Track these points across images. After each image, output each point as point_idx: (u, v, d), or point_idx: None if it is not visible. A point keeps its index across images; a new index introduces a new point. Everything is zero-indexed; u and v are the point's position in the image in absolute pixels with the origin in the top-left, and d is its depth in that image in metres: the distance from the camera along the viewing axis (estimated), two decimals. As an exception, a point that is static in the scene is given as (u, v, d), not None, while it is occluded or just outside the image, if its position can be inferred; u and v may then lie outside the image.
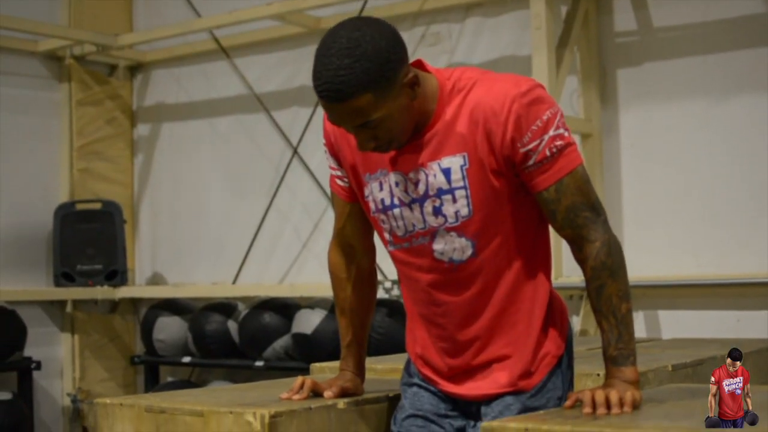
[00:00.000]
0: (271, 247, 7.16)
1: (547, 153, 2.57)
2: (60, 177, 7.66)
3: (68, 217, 7.38)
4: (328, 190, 6.78)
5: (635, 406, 2.45)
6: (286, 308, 6.59)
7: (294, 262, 7.05)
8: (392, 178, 2.70)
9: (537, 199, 2.65)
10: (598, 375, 3.31)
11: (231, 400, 2.85)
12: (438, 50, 6.42)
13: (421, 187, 2.66)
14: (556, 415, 2.41)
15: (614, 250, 2.62)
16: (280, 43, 7.21)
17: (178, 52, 7.71)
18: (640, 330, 5.66)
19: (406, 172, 2.68)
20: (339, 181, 2.92)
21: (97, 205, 7.42)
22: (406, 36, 6.47)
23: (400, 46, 2.54)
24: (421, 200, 2.67)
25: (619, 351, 2.58)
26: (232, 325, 6.80)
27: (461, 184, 2.62)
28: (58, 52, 7.61)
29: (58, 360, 7.58)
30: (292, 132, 7.09)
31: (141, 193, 7.97)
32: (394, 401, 3.03)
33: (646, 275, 5.58)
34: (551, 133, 2.57)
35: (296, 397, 2.85)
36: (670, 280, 5.45)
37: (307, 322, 6.32)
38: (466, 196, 2.63)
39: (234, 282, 7.30)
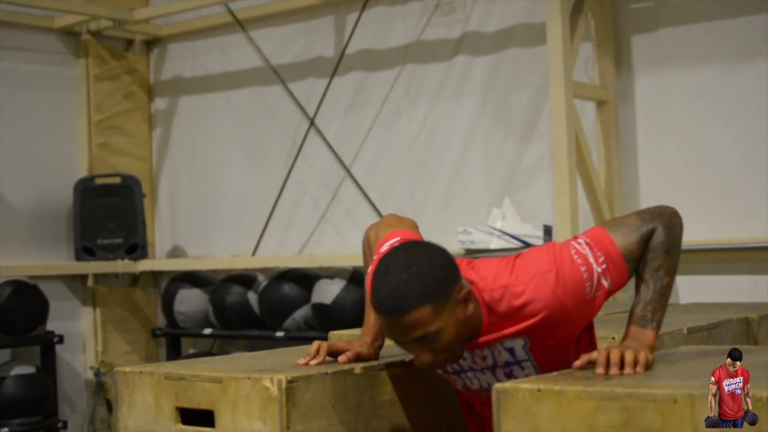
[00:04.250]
0: (290, 218, 7.19)
1: (605, 267, 2.73)
2: (79, 152, 7.69)
3: (88, 191, 7.41)
4: (346, 160, 6.86)
5: (647, 367, 2.48)
6: (305, 279, 6.62)
7: (312, 232, 7.08)
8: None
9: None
10: (613, 338, 3.33)
11: (249, 367, 2.89)
12: (452, 19, 6.43)
13: (489, 360, 2.85)
14: (568, 376, 2.44)
15: (674, 231, 2.76)
16: (295, 14, 7.22)
17: (194, 26, 7.72)
18: (657, 295, 5.67)
19: (472, 350, 2.83)
20: None
21: (117, 179, 7.45)
22: (420, 6, 6.53)
23: (453, 264, 2.72)
24: (492, 368, 2.87)
25: (646, 312, 2.66)
26: (252, 297, 6.83)
27: (525, 357, 2.82)
28: (74, 27, 7.62)
29: (81, 334, 7.63)
30: (309, 103, 7.10)
31: (159, 166, 8.00)
32: (410, 366, 3.06)
33: (662, 241, 5.57)
34: (597, 269, 2.72)
35: (313, 362, 2.89)
36: (687, 245, 5.42)
37: (327, 292, 6.35)
38: (533, 365, 2.83)
39: (253, 253, 7.33)
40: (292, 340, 6.47)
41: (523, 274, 2.75)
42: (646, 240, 2.73)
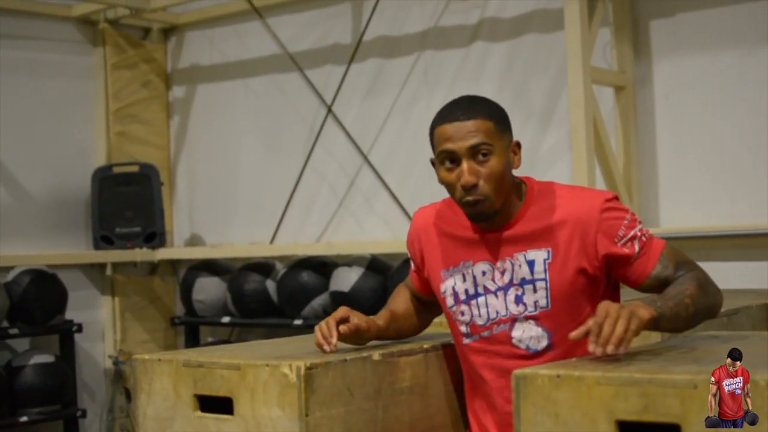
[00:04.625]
0: (308, 206, 7.19)
1: (644, 239, 2.84)
2: (97, 141, 7.70)
3: (106, 180, 7.42)
4: (363, 147, 6.85)
5: (636, 332, 2.52)
6: (323, 266, 6.62)
7: (331, 220, 7.07)
8: (479, 268, 2.95)
9: (646, 285, 2.85)
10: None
11: (267, 354, 2.88)
12: (470, 5, 6.41)
13: (507, 276, 2.92)
14: (587, 362, 2.43)
15: (711, 290, 2.82)
16: (312, 1, 7.20)
17: (211, 14, 7.72)
18: (676, 282, 5.65)
19: (494, 261, 2.93)
20: (416, 275, 3.22)
21: (135, 168, 7.46)
22: (438, -9, 6.52)
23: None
24: (506, 288, 2.92)
25: (656, 299, 2.65)
26: (271, 285, 6.84)
27: (542, 276, 2.88)
28: (91, 16, 7.63)
29: (99, 322, 7.65)
30: (326, 90, 7.09)
31: (177, 155, 8.01)
32: (428, 353, 3.06)
33: (681, 227, 5.57)
34: (639, 227, 2.85)
35: (330, 347, 2.87)
36: (704, 231, 5.44)
37: (345, 279, 6.36)
38: (546, 288, 2.88)
39: (271, 241, 7.34)
40: (310, 328, 6.40)
41: (576, 187, 3.02)
42: (684, 270, 2.83)
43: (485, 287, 2.95)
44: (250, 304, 6.88)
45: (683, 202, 5.68)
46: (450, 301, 3.02)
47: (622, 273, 2.87)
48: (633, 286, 2.90)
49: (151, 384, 2.99)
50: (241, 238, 7.57)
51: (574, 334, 2.50)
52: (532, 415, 2.29)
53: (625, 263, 2.84)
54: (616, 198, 2.91)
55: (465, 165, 2.82)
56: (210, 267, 7.26)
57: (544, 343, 2.91)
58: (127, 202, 7.41)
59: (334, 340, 2.88)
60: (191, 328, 7.60)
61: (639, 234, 2.84)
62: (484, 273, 2.95)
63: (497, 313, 2.93)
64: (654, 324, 2.59)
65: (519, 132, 6.34)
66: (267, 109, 7.47)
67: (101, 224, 7.41)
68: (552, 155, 6.06)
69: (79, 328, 7.03)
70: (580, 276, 2.86)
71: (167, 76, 8.04)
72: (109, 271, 7.58)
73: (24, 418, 6.65)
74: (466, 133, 2.82)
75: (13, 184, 7.22)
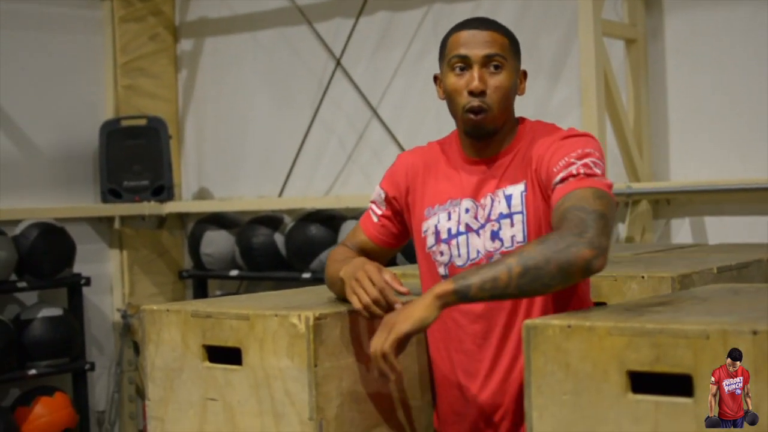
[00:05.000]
0: (316, 159, 7.17)
1: (574, 171, 2.66)
2: (105, 94, 7.67)
3: (114, 133, 7.40)
4: (372, 100, 6.82)
5: (394, 346, 2.53)
6: (331, 220, 6.61)
7: (339, 174, 7.05)
8: (463, 205, 2.88)
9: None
10: (643, 277, 3.31)
11: (276, 304, 2.87)
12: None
13: (486, 210, 2.84)
14: (599, 312, 2.41)
15: (561, 242, 2.47)
16: (321, -47, 7.17)
17: (219, -34, 7.69)
18: (686, 236, 5.65)
19: (478, 199, 2.86)
20: (374, 218, 3.11)
21: (143, 121, 7.43)
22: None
23: None
24: (484, 224, 2.84)
25: (469, 270, 2.54)
26: (279, 238, 6.83)
27: (519, 209, 2.79)
28: (99, -31, 7.61)
29: (107, 276, 7.65)
30: (335, 43, 7.05)
31: (185, 108, 7.98)
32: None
33: (693, 180, 5.55)
34: (587, 160, 2.68)
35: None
36: (715, 185, 5.41)
37: (353, 233, 6.34)
38: (523, 222, 2.78)
39: (280, 195, 7.32)
40: (318, 281, 6.46)
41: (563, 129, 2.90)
42: (565, 224, 2.54)
43: (468, 225, 2.87)
44: (258, 257, 6.87)
45: (694, 157, 5.65)
46: (430, 240, 2.92)
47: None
48: None
49: (159, 334, 2.99)
50: (249, 192, 7.56)
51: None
52: (542, 365, 2.28)
53: (546, 185, 2.73)
54: (590, 138, 2.78)
55: (476, 71, 2.80)
56: (218, 220, 7.25)
57: None
58: (135, 155, 7.39)
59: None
60: (199, 282, 7.59)
61: (580, 166, 2.66)
62: (467, 210, 2.87)
63: (478, 252, 2.84)
64: (456, 300, 2.50)
65: (529, 86, 6.28)
66: (275, 63, 7.43)
67: (109, 177, 7.40)
68: (562, 110, 6.03)
69: (88, 282, 7.03)
70: (544, 206, 2.77)
71: (175, 30, 8.00)
72: (117, 225, 7.57)
73: (32, 371, 6.67)
74: (482, 41, 2.82)
75: (22, 138, 7.21)
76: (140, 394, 7.57)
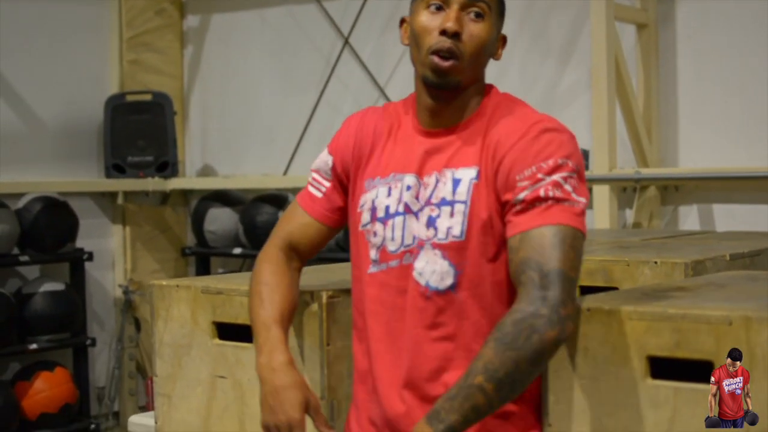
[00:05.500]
0: (322, 138, 7.12)
1: (541, 194, 2.26)
2: (110, 68, 7.64)
3: (119, 108, 7.37)
4: (381, 80, 6.78)
5: None
6: (336, 200, 6.57)
7: (344, 153, 7.01)
8: (406, 181, 2.44)
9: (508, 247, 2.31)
10: (656, 263, 3.28)
11: (288, 283, 2.83)
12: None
13: (428, 191, 2.41)
14: (618, 295, 2.39)
15: (523, 332, 2.13)
16: (330, -69, 7.13)
17: (227, -58, 7.65)
18: (693, 223, 5.62)
19: (422, 176, 2.43)
20: (317, 193, 2.65)
21: (148, 97, 7.40)
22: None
23: None
24: (422, 208, 2.42)
25: (442, 407, 2.14)
26: (283, 217, 6.80)
27: (463, 198, 2.37)
28: (106, -58, 7.57)
29: (110, 251, 7.63)
30: (343, 22, 7.01)
31: (191, 84, 7.95)
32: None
33: (701, 167, 5.52)
34: (558, 177, 2.27)
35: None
36: (724, 172, 5.38)
37: (358, 213, 6.31)
38: (464, 213, 2.36)
39: (285, 173, 7.29)
40: (323, 261, 6.41)
41: (536, 112, 2.44)
42: (535, 286, 2.19)
43: (407, 206, 2.43)
44: (261, 235, 6.82)
45: (703, 143, 5.63)
46: (366, 217, 2.49)
47: (504, 219, 2.35)
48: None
49: (168, 310, 2.96)
50: (253, 170, 7.53)
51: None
52: (560, 349, 2.25)
53: (508, 210, 2.32)
54: (550, 129, 2.36)
55: (455, 12, 2.37)
56: (222, 198, 7.22)
57: (448, 281, 2.37)
58: (139, 130, 7.35)
59: None
60: (202, 259, 7.57)
61: (548, 188, 2.26)
62: (409, 188, 2.43)
63: (413, 238, 2.41)
64: None
65: (539, 70, 6.32)
66: (283, 41, 7.39)
67: (113, 153, 7.37)
68: (571, 94, 6.00)
69: (90, 257, 7.01)
70: (492, 206, 2.35)
71: (181, 5, 7.96)
72: (120, 200, 7.54)
73: (33, 346, 6.65)
74: None
75: (26, 111, 7.17)
76: (140, 370, 7.56)
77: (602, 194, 5.39)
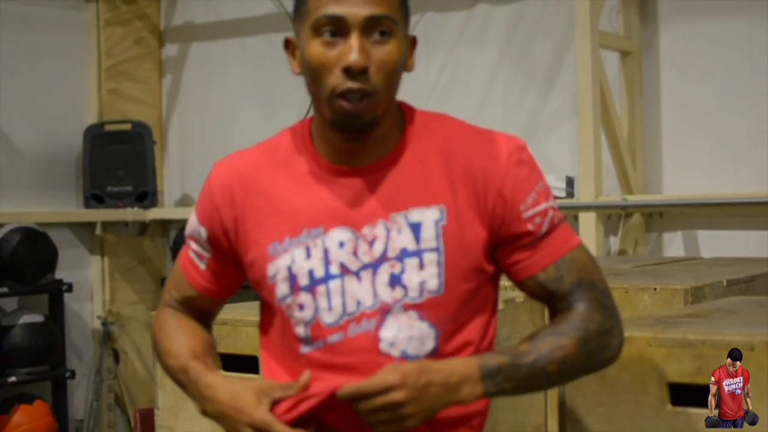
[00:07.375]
0: (303, 168, 7.11)
1: (555, 221, 2.07)
2: (89, 98, 7.60)
3: (98, 138, 7.32)
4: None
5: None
6: (318, 229, 6.55)
7: (325, 183, 7.00)
8: (333, 236, 2.05)
9: (526, 286, 2.09)
10: (655, 289, 3.27)
11: (293, 312, 2.81)
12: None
13: (378, 247, 2.03)
14: (636, 321, 2.38)
15: (601, 339, 2.01)
16: (310, -40, 7.10)
17: (206, -30, 7.64)
18: (678, 250, 5.63)
19: (359, 227, 2.04)
20: (201, 264, 2.29)
21: (127, 126, 7.36)
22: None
23: None
24: (375, 266, 2.02)
25: (503, 370, 1.96)
26: (264, 247, 6.77)
27: (433, 245, 2.01)
28: (84, -29, 7.54)
29: (88, 282, 7.57)
30: (324, 51, 7.00)
31: (169, 114, 7.91)
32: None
33: (685, 194, 5.53)
34: (552, 201, 2.08)
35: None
36: (708, 199, 5.40)
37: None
38: (438, 263, 2.01)
39: (264, 203, 7.25)
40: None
41: (474, 127, 2.14)
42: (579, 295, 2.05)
43: (342, 266, 2.03)
44: (242, 266, 6.80)
45: (687, 170, 5.64)
46: (282, 288, 2.08)
47: (506, 255, 2.08)
48: (512, 277, 2.11)
49: (169, 341, 2.92)
50: (233, 200, 7.48)
51: (341, 392, 1.90)
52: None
53: (517, 244, 2.06)
54: (526, 148, 2.09)
55: (355, 41, 1.95)
56: (202, 228, 7.17)
57: (429, 345, 2.03)
58: (118, 160, 7.30)
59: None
60: (181, 290, 7.51)
61: (551, 211, 2.07)
62: (341, 244, 2.03)
63: (359, 304, 2.02)
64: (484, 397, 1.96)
65: (522, 96, 6.29)
66: (263, 69, 7.37)
67: (92, 182, 7.31)
68: (555, 120, 6.01)
69: (69, 288, 6.95)
70: (477, 248, 2.05)
71: (160, 34, 7.93)
72: (98, 231, 7.47)
73: (12, 378, 6.58)
74: (367, 1, 1.98)
75: (4, 141, 7.12)
76: (119, 402, 7.49)
77: (588, 221, 5.39)
